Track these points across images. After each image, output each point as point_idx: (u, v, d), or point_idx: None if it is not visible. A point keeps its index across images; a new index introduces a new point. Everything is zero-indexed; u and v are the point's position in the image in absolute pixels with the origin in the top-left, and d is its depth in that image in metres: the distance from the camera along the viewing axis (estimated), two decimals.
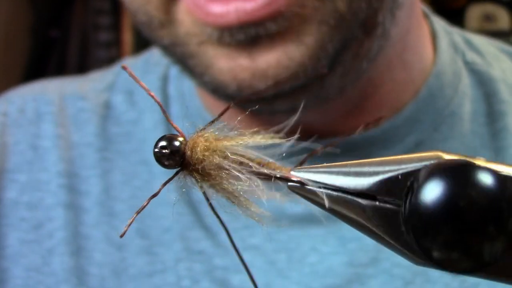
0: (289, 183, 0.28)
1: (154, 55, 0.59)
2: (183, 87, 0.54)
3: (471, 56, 0.54)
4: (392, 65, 0.48)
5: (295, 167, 0.27)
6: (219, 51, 0.42)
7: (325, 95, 0.45)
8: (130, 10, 0.47)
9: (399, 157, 0.26)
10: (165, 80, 0.55)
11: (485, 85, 0.52)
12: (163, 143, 0.28)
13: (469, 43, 0.55)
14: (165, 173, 0.50)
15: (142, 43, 2.08)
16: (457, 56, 0.53)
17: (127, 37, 2.02)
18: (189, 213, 0.49)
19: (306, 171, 0.27)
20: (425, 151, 0.26)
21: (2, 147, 0.53)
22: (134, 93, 0.55)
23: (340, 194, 0.26)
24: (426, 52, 0.51)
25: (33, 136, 0.53)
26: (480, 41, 0.56)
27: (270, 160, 0.28)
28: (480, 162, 0.25)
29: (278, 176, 0.27)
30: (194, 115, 0.51)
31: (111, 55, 1.97)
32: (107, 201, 0.50)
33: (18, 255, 0.49)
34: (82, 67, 1.91)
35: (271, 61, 0.41)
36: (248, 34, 0.40)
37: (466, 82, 0.52)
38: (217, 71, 0.42)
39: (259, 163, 0.28)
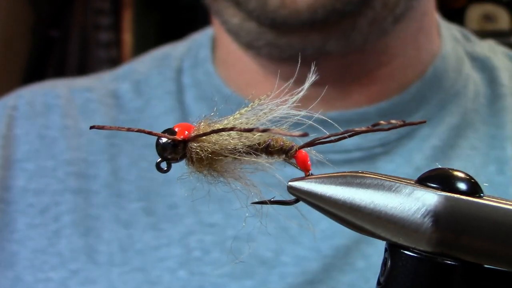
0: (289, 184, 0.27)
1: (165, 51, 0.61)
2: (198, 75, 0.57)
3: (470, 46, 0.59)
4: (407, 41, 0.53)
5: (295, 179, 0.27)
6: None
7: (352, 40, 0.49)
8: None
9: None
10: (179, 72, 0.59)
11: (486, 70, 0.57)
12: (160, 141, 0.29)
13: (467, 38, 0.60)
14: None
15: (142, 43, 2.08)
16: (458, 46, 0.58)
17: (127, 37, 2.02)
18: (200, 188, 0.53)
19: (306, 182, 0.27)
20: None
21: (12, 139, 0.55)
22: (141, 83, 0.59)
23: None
24: (434, 38, 0.56)
25: (41, 127, 0.56)
26: (476, 38, 0.62)
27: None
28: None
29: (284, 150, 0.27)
30: (213, 94, 0.55)
31: (111, 55, 1.97)
32: (114, 183, 0.52)
33: (26, 238, 0.52)
34: (82, 67, 1.91)
35: None
36: None
37: (468, 67, 0.57)
38: None
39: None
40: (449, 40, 0.57)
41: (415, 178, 0.25)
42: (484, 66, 0.57)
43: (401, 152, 0.50)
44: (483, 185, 0.25)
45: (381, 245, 0.49)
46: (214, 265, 0.49)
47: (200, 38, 0.59)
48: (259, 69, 0.52)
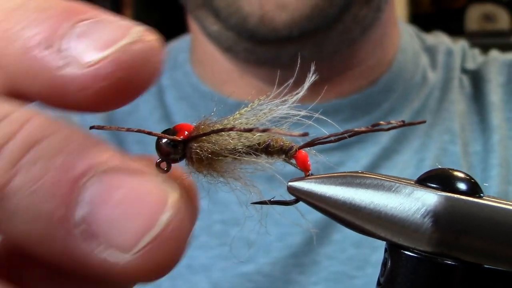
0: (289, 184, 0.28)
1: None
2: (177, 76, 0.59)
3: (422, 40, 0.65)
4: (374, 45, 0.58)
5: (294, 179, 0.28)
6: None
7: (325, 49, 0.54)
8: None
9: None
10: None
11: (432, 55, 0.63)
12: (160, 141, 0.29)
13: (418, 34, 0.66)
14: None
15: None
16: (413, 40, 0.64)
17: None
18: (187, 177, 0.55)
19: (305, 182, 0.27)
20: None
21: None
22: None
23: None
24: (395, 34, 0.62)
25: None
26: (425, 34, 0.68)
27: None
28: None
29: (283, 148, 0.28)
30: (191, 93, 0.57)
31: None
32: None
33: None
34: None
35: None
36: None
37: (424, 59, 0.62)
38: (245, 2, 0.49)
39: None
40: (406, 35, 0.62)
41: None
42: (432, 52, 0.63)
43: (371, 139, 0.54)
44: (483, 185, 0.25)
45: None
46: (202, 249, 0.51)
47: (179, 43, 0.63)
48: (235, 69, 0.56)
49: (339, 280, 0.50)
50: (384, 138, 0.53)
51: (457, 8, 1.97)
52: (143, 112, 0.57)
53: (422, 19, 1.77)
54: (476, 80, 0.60)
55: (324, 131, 0.32)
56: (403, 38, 0.61)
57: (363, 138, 0.54)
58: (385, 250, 0.26)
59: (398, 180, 0.25)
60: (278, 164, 0.31)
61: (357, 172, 0.27)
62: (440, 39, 0.65)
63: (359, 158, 0.52)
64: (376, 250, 0.51)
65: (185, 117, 0.56)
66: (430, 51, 0.62)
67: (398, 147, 0.53)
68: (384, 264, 0.26)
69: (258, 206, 0.51)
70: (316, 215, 0.51)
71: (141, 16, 2.05)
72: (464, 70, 0.61)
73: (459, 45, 0.64)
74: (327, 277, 0.49)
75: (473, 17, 2.04)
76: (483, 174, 0.54)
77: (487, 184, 0.24)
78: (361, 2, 0.52)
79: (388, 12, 0.58)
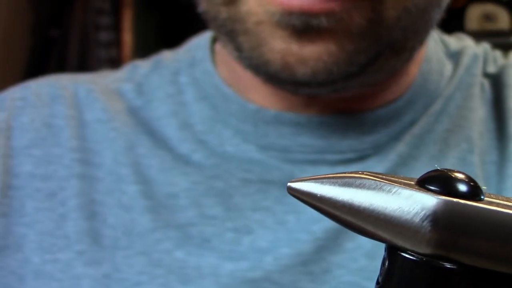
0: (288, 185, 0.27)
1: (165, 55, 0.62)
2: (195, 74, 0.57)
3: (446, 45, 0.62)
4: (400, 73, 0.55)
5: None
6: (275, 33, 0.48)
7: (343, 92, 0.52)
8: None
9: None
10: (176, 74, 0.60)
11: (457, 60, 0.60)
12: None
13: (441, 38, 0.62)
14: (166, 144, 0.53)
15: (142, 43, 2.08)
16: (437, 47, 0.60)
17: (127, 37, 2.02)
18: (202, 182, 0.52)
19: (305, 181, 0.27)
20: None
21: (17, 128, 0.57)
22: (143, 84, 0.60)
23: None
24: (421, 49, 0.58)
25: (47, 116, 0.57)
26: (448, 37, 0.64)
27: None
28: None
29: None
30: (213, 93, 0.55)
31: (111, 55, 1.97)
32: (115, 168, 0.54)
33: (34, 221, 0.53)
34: (82, 67, 1.91)
35: (314, 52, 0.47)
36: (303, 22, 0.46)
37: (448, 67, 0.59)
38: (268, 49, 0.48)
39: None
40: (431, 41, 0.59)
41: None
42: (456, 58, 0.60)
43: (389, 151, 0.52)
44: (483, 187, 0.25)
45: None
46: (212, 250, 0.50)
47: (199, 40, 0.60)
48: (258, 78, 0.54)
49: None
50: (401, 145, 0.52)
51: (457, 8, 1.97)
52: (157, 112, 0.56)
53: None
54: (496, 85, 0.58)
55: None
56: (428, 46, 0.58)
57: (380, 149, 0.52)
58: (385, 250, 0.26)
59: (398, 182, 0.25)
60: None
61: (357, 172, 0.27)
62: (464, 43, 0.62)
63: (376, 168, 0.51)
64: None
65: (204, 118, 0.54)
66: (454, 58, 0.60)
67: (416, 153, 0.52)
68: (383, 263, 0.26)
69: (271, 212, 0.50)
70: (328, 222, 0.50)
71: (141, 16, 2.05)
72: (486, 74, 0.59)
73: (481, 48, 0.62)
74: (338, 286, 0.48)
75: (473, 17, 2.03)
76: (499, 185, 0.52)
77: (485, 188, 0.24)
78: (387, 56, 0.49)
79: None
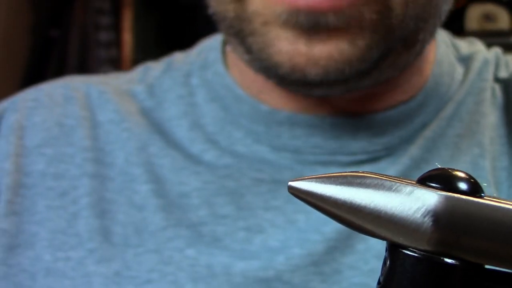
0: (289, 184, 0.28)
1: (177, 57, 0.62)
2: (207, 76, 0.57)
3: (457, 50, 0.61)
4: (410, 71, 0.54)
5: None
6: (282, 33, 0.47)
7: (356, 90, 0.51)
8: None
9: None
10: (188, 76, 0.60)
11: (468, 65, 0.59)
12: None
13: (453, 41, 0.62)
14: (177, 144, 0.53)
15: (142, 43, 2.08)
16: (448, 50, 0.59)
17: (127, 37, 2.02)
18: (214, 181, 0.53)
19: (307, 181, 0.27)
20: None
21: (30, 128, 0.57)
22: (154, 86, 0.60)
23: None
24: (433, 49, 0.57)
25: (59, 115, 0.57)
26: (459, 41, 0.63)
27: None
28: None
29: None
30: (225, 94, 0.55)
31: (111, 55, 1.97)
32: (127, 168, 0.54)
33: (45, 219, 0.53)
34: (82, 67, 1.91)
35: (324, 52, 0.46)
36: (311, 21, 0.45)
37: (459, 71, 0.58)
38: (275, 51, 0.47)
39: None
40: (442, 45, 0.58)
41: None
42: (467, 62, 0.59)
43: (402, 153, 0.52)
44: (483, 185, 0.25)
45: None
46: (223, 249, 0.50)
47: (210, 42, 0.60)
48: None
49: None
50: (413, 148, 0.52)
51: (457, 8, 1.97)
52: (167, 113, 0.56)
53: None
54: (508, 90, 0.57)
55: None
56: (440, 49, 0.57)
57: (392, 151, 0.52)
58: (386, 249, 0.26)
59: (399, 180, 0.25)
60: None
61: (357, 171, 0.27)
62: (475, 47, 0.61)
63: (388, 170, 0.50)
64: None
65: (215, 119, 0.54)
66: (465, 62, 0.59)
67: (428, 156, 0.51)
68: (384, 263, 0.26)
69: (282, 212, 0.50)
70: (338, 224, 0.50)
71: (141, 16, 2.05)
72: (497, 79, 0.58)
73: (493, 53, 0.61)
74: (348, 287, 0.48)
75: (473, 17, 2.03)
76: (509, 190, 0.51)
77: (485, 184, 0.24)
78: (399, 50, 0.49)
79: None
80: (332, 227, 0.50)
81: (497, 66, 0.60)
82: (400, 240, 0.25)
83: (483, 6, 2.05)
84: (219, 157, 0.53)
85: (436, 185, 0.25)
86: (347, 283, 0.49)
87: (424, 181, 0.25)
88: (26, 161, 0.56)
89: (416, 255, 0.25)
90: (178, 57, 0.62)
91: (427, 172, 0.26)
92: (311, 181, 0.27)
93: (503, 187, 0.52)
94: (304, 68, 0.47)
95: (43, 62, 1.95)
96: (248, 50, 0.49)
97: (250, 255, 0.50)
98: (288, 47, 0.47)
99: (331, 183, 0.26)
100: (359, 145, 0.52)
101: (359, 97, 0.53)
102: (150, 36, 2.08)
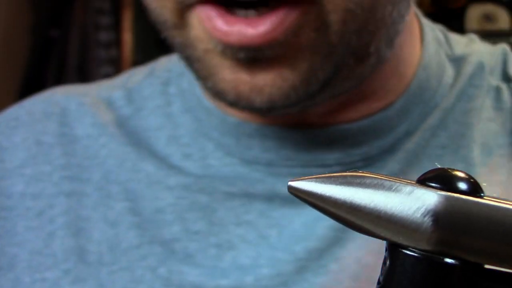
0: (289, 184, 0.28)
1: (161, 62, 0.61)
2: (183, 84, 0.56)
3: (450, 49, 0.56)
4: (385, 77, 0.51)
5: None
6: (224, 62, 0.45)
7: (314, 107, 0.49)
8: (147, 8, 0.49)
9: None
10: (166, 84, 0.59)
11: (460, 67, 0.54)
12: None
13: (447, 39, 0.57)
14: (153, 156, 0.53)
15: (142, 43, 2.08)
16: (440, 49, 0.55)
17: (127, 37, 2.02)
18: (186, 197, 0.52)
19: (307, 181, 0.27)
20: None
21: (10, 149, 0.56)
22: (133, 91, 0.59)
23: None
24: (416, 50, 0.53)
25: (38, 133, 0.57)
26: (457, 37, 0.59)
27: None
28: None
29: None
30: (195, 105, 0.54)
31: (111, 55, 1.98)
32: (104, 185, 0.53)
33: (25, 241, 0.53)
34: (82, 67, 1.91)
35: (268, 80, 0.45)
36: (248, 55, 0.44)
37: (449, 73, 0.54)
38: (219, 79, 0.46)
39: None
40: (432, 43, 0.54)
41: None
42: (459, 64, 0.55)
43: (382, 164, 0.50)
44: (483, 185, 0.25)
45: (354, 248, 0.48)
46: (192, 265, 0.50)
47: None
48: None
49: None
50: (393, 161, 0.50)
51: (457, 8, 1.97)
52: (145, 122, 0.55)
53: None
54: None
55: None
56: (428, 50, 0.53)
57: (371, 161, 0.50)
58: (385, 249, 0.26)
59: (399, 180, 0.25)
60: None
61: (357, 171, 0.27)
62: (472, 47, 0.57)
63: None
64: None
65: (189, 131, 0.54)
66: (457, 64, 0.55)
67: (408, 170, 0.49)
68: (384, 263, 0.26)
69: (253, 227, 0.50)
70: (311, 242, 0.48)
71: (141, 16, 2.05)
72: (506, 78, 0.54)
73: (499, 50, 0.56)
74: None
75: (473, 17, 2.04)
76: None
77: (485, 184, 0.24)
78: (351, 65, 0.46)
79: (402, 38, 0.51)
80: (303, 246, 0.49)
81: (504, 63, 0.55)
82: (400, 240, 0.25)
83: (483, 6, 2.05)
84: (192, 170, 0.53)
85: (436, 185, 0.25)
86: None
87: (424, 181, 0.25)
88: (6, 183, 0.55)
89: (415, 255, 0.25)
90: (161, 63, 0.61)
91: (426, 172, 0.26)
92: (311, 181, 0.27)
93: None
94: (249, 97, 0.45)
95: (43, 62, 1.96)
96: (197, 75, 0.48)
97: (220, 273, 0.49)
98: (231, 76, 0.45)
99: (331, 183, 0.26)
100: (334, 156, 0.51)
101: (329, 108, 0.51)
102: (150, 36, 2.08)
